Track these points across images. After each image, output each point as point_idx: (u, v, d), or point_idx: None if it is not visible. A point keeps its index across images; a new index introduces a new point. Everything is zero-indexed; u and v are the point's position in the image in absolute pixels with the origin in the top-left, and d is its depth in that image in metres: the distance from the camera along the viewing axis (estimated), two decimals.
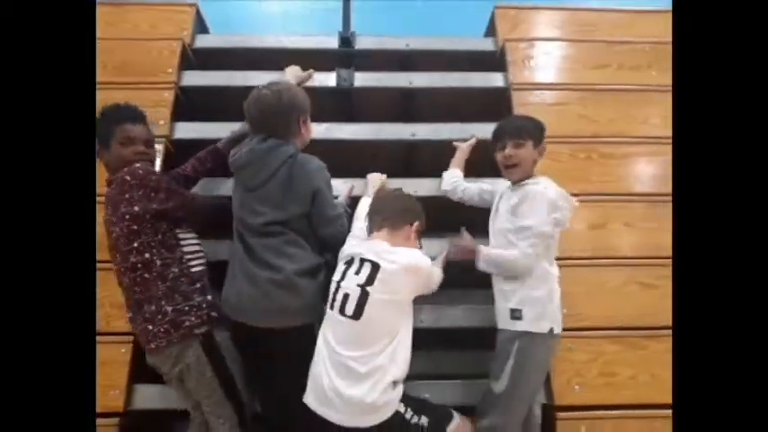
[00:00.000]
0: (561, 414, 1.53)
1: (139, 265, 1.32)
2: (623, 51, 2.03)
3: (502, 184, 1.59)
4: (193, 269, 1.40)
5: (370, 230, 1.46)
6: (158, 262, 1.33)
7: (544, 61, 2.01)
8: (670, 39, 2.03)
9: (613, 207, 1.77)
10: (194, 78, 1.98)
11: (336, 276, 1.37)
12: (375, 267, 1.30)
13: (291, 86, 1.59)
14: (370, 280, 1.29)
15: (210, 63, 2.07)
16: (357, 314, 1.26)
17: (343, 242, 1.45)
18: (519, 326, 1.37)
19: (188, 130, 1.89)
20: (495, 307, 1.44)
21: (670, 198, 1.79)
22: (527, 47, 2.03)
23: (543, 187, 1.43)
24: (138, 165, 1.39)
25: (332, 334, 1.28)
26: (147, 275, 1.33)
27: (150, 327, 1.31)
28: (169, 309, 1.32)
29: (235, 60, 2.07)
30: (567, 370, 1.56)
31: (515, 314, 1.37)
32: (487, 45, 2.13)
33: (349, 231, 1.50)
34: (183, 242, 1.41)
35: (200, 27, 2.18)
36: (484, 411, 1.37)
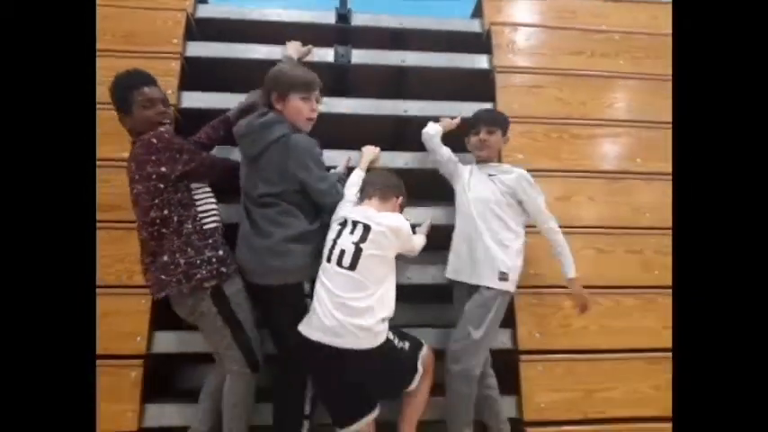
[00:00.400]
0: (523, 357, 1.82)
1: (158, 221, 1.49)
2: (597, 40, 2.23)
3: (467, 161, 1.87)
4: (206, 226, 1.56)
5: (362, 198, 1.68)
6: (175, 218, 1.51)
7: (525, 46, 2.19)
8: (639, 29, 2.25)
9: (578, 182, 2.02)
10: (198, 49, 2.08)
11: (332, 235, 1.58)
12: (366, 228, 1.54)
13: (283, 65, 1.74)
14: (363, 239, 1.52)
15: (211, 32, 2.16)
16: (353, 266, 1.50)
17: (335, 205, 1.67)
18: (504, 286, 1.65)
19: (194, 100, 2.01)
20: (480, 269, 1.68)
21: (627, 175, 2.06)
22: (510, 31, 2.20)
23: (521, 174, 1.74)
24: (162, 129, 1.55)
25: (331, 282, 1.50)
26: (164, 230, 1.50)
27: (163, 276, 1.49)
28: (182, 261, 1.49)
29: (234, 31, 2.17)
30: (529, 321, 1.84)
31: (504, 276, 1.63)
32: (475, 26, 2.28)
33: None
34: (198, 201, 1.58)
35: None
36: (458, 356, 1.63)
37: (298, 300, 1.58)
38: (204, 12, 2.19)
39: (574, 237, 1.82)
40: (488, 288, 1.64)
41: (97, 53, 1.95)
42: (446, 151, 1.91)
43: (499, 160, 1.90)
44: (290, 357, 1.59)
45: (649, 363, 1.85)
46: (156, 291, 1.52)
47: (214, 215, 1.62)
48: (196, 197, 1.58)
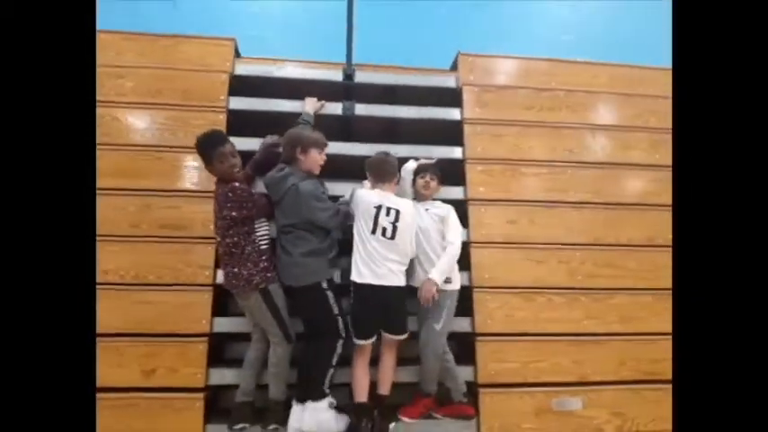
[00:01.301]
0: (479, 338, 2.51)
1: (231, 245, 2.18)
2: (545, 96, 2.88)
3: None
4: (261, 247, 2.24)
5: (375, 182, 2.38)
6: (242, 243, 2.19)
7: (490, 101, 2.84)
8: (580, 86, 2.89)
9: (524, 208, 2.69)
10: (239, 103, 2.70)
11: (373, 213, 2.26)
12: (398, 212, 2.27)
13: (302, 128, 2.42)
14: (397, 219, 2.25)
15: (246, 85, 2.79)
16: (393, 237, 2.23)
17: (341, 224, 2.33)
18: (449, 287, 2.34)
19: (238, 143, 2.64)
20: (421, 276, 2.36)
21: (561, 205, 2.73)
22: (479, 90, 2.85)
23: (450, 208, 2.45)
24: (236, 184, 2.20)
25: (379, 246, 2.22)
26: (234, 250, 2.18)
27: (234, 281, 2.18)
28: (245, 272, 2.18)
29: (265, 83, 2.80)
30: (483, 311, 2.53)
31: (447, 281, 2.32)
32: (451, 83, 2.92)
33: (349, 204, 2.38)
34: (257, 230, 2.26)
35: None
36: (426, 342, 2.32)
37: (316, 294, 2.25)
38: (240, 69, 2.81)
39: (517, 251, 2.50)
40: (442, 292, 2.32)
41: (159, 107, 2.62)
42: (409, 187, 2.53)
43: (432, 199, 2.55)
44: (312, 332, 2.29)
45: (570, 344, 2.55)
46: (230, 287, 2.23)
47: (266, 240, 2.30)
48: (255, 227, 2.25)
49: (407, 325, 2.34)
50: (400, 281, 2.27)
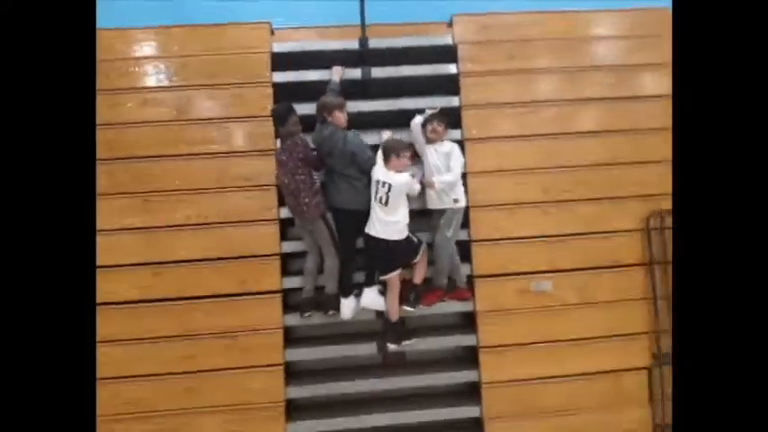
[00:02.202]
0: (474, 243, 3.40)
1: (300, 181, 3.06)
2: (527, 46, 3.49)
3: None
4: (317, 185, 3.15)
5: (385, 161, 3.13)
6: (309, 180, 3.08)
7: (480, 56, 3.48)
8: (559, 35, 3.46)
9: (508, 144, 3.43)
10: (280, 77, 3.44)
11: (374, 188, 3.08)
12: (389, 185, 3.03)
13: (327, 96, 3.19)
14: (389, 189, 3.03)
15: (283, 59, 3.49)
16: (386, 203, 3.04)
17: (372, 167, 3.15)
18: (458, 205, 3.17)
19: None
20: (442, 199, 3.20)
21: (537, 136, 3.44)
22: (471, 47, 3.48)
23: (453, 145, 3.19)
24: (299, 138, 3.06)
25: (380, 211, 3.05)
26: (302, 186, 3.07)
27: (304, 208, 3.10)
28: (313, 202, 3.09)
29: (298, 55, 3.49)
30: (477, 224, 3.39)
31: (456, 201, 3.15)
32: (448, 40, 3.54)
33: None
34: (314, 173, 3.15)
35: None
36: (439, 245, 3.21)
37: (363, 217, 3.15)
38: (276, 47, 3.49)
39: (504, 176, 3.32)
40: (451, 209, 3.17)
41: (222, 87, 3.38)
42: (420, 136, 3.30)
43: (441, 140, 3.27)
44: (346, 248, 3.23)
45: (544, 243, 3.41)
46: (298, 214, 3.15)
47: (319, 181, 3.20)
48: (312, 173, 3.14)
49: (416, 252, 3.19)
50: (397, 235, 3.07)
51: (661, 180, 3.42)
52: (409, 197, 3.18)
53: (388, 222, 3.05)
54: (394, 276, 3.16)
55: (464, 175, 3.33)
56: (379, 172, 3.11)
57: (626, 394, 3.46)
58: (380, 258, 3.17)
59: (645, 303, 3.47)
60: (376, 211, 3.09)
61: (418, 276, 3.27)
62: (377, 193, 3.07)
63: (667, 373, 3.43)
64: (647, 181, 3.47)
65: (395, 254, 3.12)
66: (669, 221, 3.47)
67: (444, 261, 3.25)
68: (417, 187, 3.21)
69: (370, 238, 3.12)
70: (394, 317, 3.23)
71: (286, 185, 3.16)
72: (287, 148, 3.12)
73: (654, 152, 3.46)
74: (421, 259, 3.24)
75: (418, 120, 3.27)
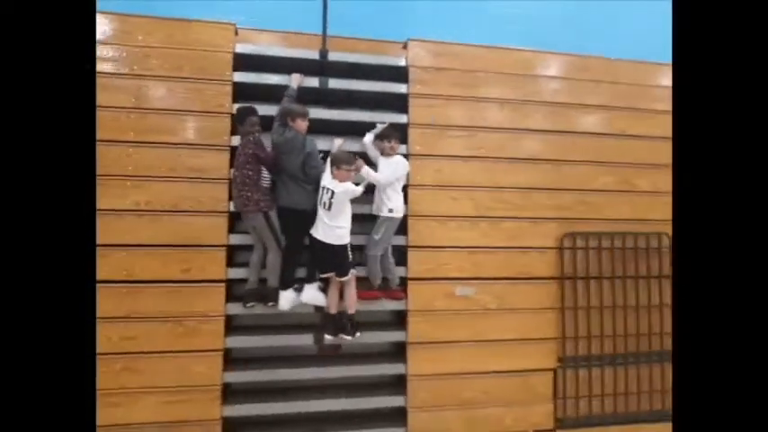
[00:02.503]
0: (410, 249, 3.73)
1: (246, 176, 3.29)
2: (469, 76, 3.88)
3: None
4: (265, 184, 3.38)
5: (331, 170, 3.39)
6: (255, 176, 3.31)
7: (428, 79, 3.83)
8: (496, 68, 3.88)
9: (446, 162, 3.80)
10: (241, 77, 3.61)
11: (320, 193, 3.34)
12: (332, 192, 3.29)
13: (290, 103, 3.44)
14: (332, 196, 3.29)
15: (245, 60, 3.67)
16: (329, 208, 3.30)
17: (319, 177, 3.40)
18: (391, 215, 3.50)
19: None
20: (380, 208, 3.52)
21: (472, 158, 3.84)
22: (421, 71, 3.82)
23: (401, 159, 3.53)
24: (253, 137, 3.30)
25: (321, 213, 3.31)
26: (248, 181, 3.29)
27: (246, 203, 3.31)
28: (255, 197, 3.31)
29: (258, 58, 3.68)
30: (414, 232, 3.73)
31: (391, 211, 3.47)
32: (401, 62, 3.86)
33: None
34: (263, 171, 3.37)
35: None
36: (367, 248, 3.53)
37: (308, 217, 3.40)
38: (239, 48, 3.67)
39: (440, 191, 3.67)
40: (385, 217, 3.50)
41: (182, 80, 3.51)
42: (372, 151, 3.62)
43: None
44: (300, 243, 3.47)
45: (471, 253, 3.80)
46: (242, 209, 3.36)
47: (267, 181, 3.43)
48: (263, 169, 3.36)
49: (348, 269, 3.41)
50: (337, 240, 3.31)
51: (575, 205, 3.94)
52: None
53: (331, 227, 3.31)
54: (332, 276, 3.44)
55: (405, 188, 3.67)
56: (326, 179, 3.37)
57: (534, 391, 3.92)
58: (320, 259, 3.43)
59: (553, 312, 3.95)
60: (320, 214, 3.35)
61: (350, 305, 3.51)
62: (321, 197, 3.34)
63: (570, 374, 3.94)
64: (564, 205, 3.96)
65: (333, 257, 3.38)
66: (580, 242, 3.98)
67: (371, 263, 3.56)
68: (359, 190, 3.48)
69: (313, 239, 3.38)
70: (333, 310, 3.50)
71: (234, 178, 3.39)
72: (242, 144, 3.37)
73: (571, 181, 3.97)
74: (350, 285, 3.48)
75: (369, 137, 3.60)
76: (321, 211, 3.35)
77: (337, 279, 3.42)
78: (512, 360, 3.87)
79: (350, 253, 3.42)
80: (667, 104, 4.08)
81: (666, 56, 3.59)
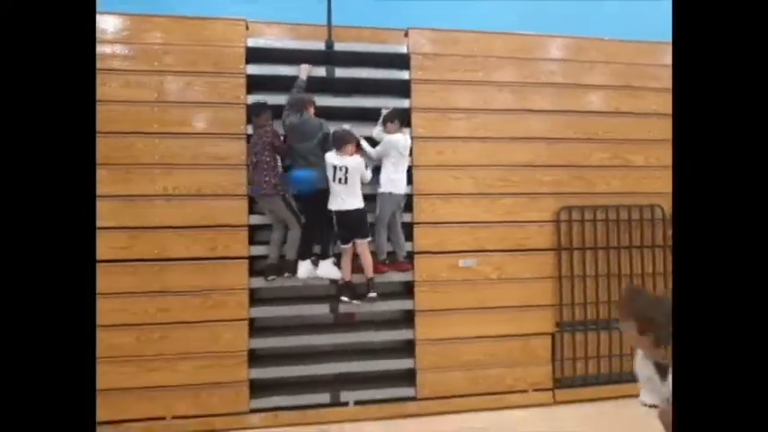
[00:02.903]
0: (415, 225, 4.03)
1: (264, 162, 3.63)
2: (468, 61, 4.08)
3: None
4: (280, 169, 3.71)
5: (337, 149, 3.71)
6: (272, 162, 3.65)
7: (429, 65, 4.05)
8: (495, 52, 4.09)
9: (448, 143, 4.05)
10: (254, 69, 3.89)
11: (331, 171, 3.66)
12: (346, 168, 3.63)
13: (301, 93, 3.75)
14: (346, 171, 3.63)
15: (257, 53, 3.94)
16: (345, 182, 3.64)
17: None
18: (382, 190, 3.80)
19: (256, 99, 3.88)
20: (383, 186, 3.83)
21: (472, 138, 4.08)
22: (422, 58, 4.04)
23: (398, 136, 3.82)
24: (269, 127, 3.62)
25: (338, 189, 3.65)
26: (265, 165, 3.63)
27: (265, 186, 3.65)
28: (273, 181, 3.65)
29: (270, 50, 3.95)
30: (419, 209, 4.02)
31: (381, 186, 3.80)
32: (403, 50, 4.09)
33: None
34: (277, 158, 3.71)
35: None
36: (376, 220, 3.86)
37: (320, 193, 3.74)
38: (251, 42, 3.93)
39: (443, 170, 3.94)
40: (382, 193, 3.82)
41: (199, 74, 3.80)
42: (381, 136, 3.91)
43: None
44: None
45: (472, 228, 4.09)
46: (260, 191, 3.68)
47: (281, 165, 3.74)
48: (277, 156, 3.69)
49: (368, 232, 3.80)
50: (358, 204, 3.69)
51: (571, 181, 4.18)
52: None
53: (349, 196, 3.68)
54: (349, 246, 3.81)
55: (410, 168, 3.95)
56: (334, 158, 3.69)
57: (534, 353, 4.24)
58: (342, 227, 3.76)
59: (551, 281, 4.24)
60: (337, 190, 3.69)
61: (369, 269, 3.85)
62: (335, 175, 3.66)
63: (567, 338, 4.25)
64: (560, 181, 4.21)
65: (354, 223, 3.73)
66: (576, 215, 4.23)
67: (375, 236, 3.88)
68: (368, 174, 3.79)
69: (333, 213, 3.73)
70: (348, 277, 3.86)
71: (254, 164, 3.72)
72: (259, 134, 3.70)
73: (567, 158, 4.20)
74: (365, 251, 3.82)
75: (377, 127, 3.92)
76: (337, 188, 3.69)
77: (358, 242, 3.77)
78: (512, 325, 4.17)
79: (367, 216, 3.78)
80: (660, 82, 4.25)
81: (659, 34, 3.81)
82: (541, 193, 4.19)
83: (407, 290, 4.19)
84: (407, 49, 4.08)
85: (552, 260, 4.24)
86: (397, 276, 4.04)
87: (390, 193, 3.82)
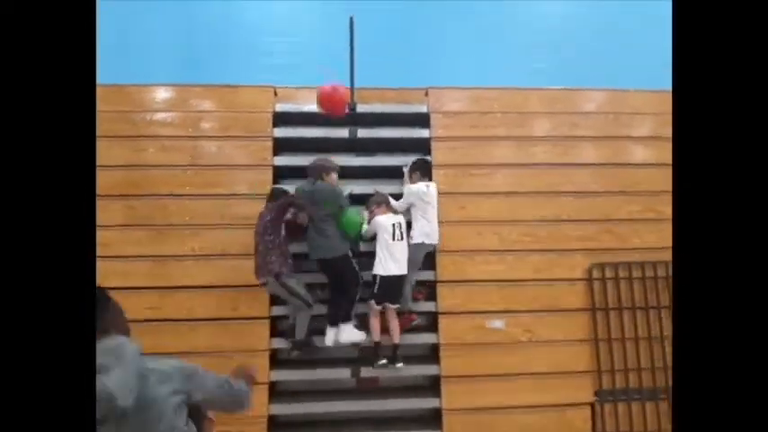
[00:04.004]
0: (439, 283, 3.92)
1: (268, 241, 3.56)
2: (488, 118, 4.13)
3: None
4: (282, 249, 3.61)
5: (377, 206, 3.73)
6: (276, 240, 3.57)
7: (449, 123, 4.12)
8: (515, 109, 4.13)
9: (470, 198, 4.01)
10: (280, 132, 4.06)
11: (389, 230, 3.62)
12: (400, 223, 3.65)
13: (323, 159, 3.75)
14: (401, 226, 3.64)
15: (285, 117, 4.13)
16: (402, 238, 3.63)
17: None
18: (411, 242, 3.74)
19: (282, 161, 4.03)
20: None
21: (494, 194, 4.03)
22: (441, 116, 4.13)
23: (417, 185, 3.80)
24: (270, 204, 3.63)
25: (395, 248, 3.60)
26: (270, 246, 3.55)
27: (261, 270, 3.57)
28: (269, 260, 3.55)
29: (295, 114, 4.13)
30: (442, 266, 3.93)
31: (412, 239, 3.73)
32: (423, 109, 4.19)
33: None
34: (282, 236, 3.65)
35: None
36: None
37: (347, 260, 3.66)
38: (278, 107, 4.14)
39: (466, 226, 3.87)
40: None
41: (230, 138, 3.99)
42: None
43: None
44: (343, 283, 3.70)
45: (499, 287, 3.93)
46: (257, 276, 3.61)
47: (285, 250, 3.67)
48: (282, 234, 3.64)
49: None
50: (402, 270, 3.62)
51: (600, 236, 4.01)
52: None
53: (399, 259, 3.61)
54: (379, 308, 3.69)
55: None
56: (390, 218, 3.68)
57: (572, 426, 3.88)
58: (384, 291, 3.62)
59: (587, 345, 3.96)
60: (390, 250, 3.61)
61: (396, 335, 3.72)
62: (394, 233, 3.63)
63: (608, 409, 3.89)
64: (589, 236, 4.04)
65: (395, 288, 3.65)
66: (609, 272, 4.02)
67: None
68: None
69: (379, 276, 3.61)
70: (377, 338, 3.72)
71: (256, 246, 3.61)
72: (261, 214, 3.64)
73: (595, 211, 4.06)
74: (393, 315, 3.72)
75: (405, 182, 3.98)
76: (393, 246, 3.61)
77: (391, 306, 3.67)
78: (547, 394, 3.87)
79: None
80: None
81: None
82: (570, 250, 4.03)
83: (433, 353, 4.01)
84: (427, 108, 4.18)
85: (586, 321, 3.98)
86: (422, 339, 3.88)
87: (423, 244, 3.76)
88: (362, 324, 3.74)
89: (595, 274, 4.02)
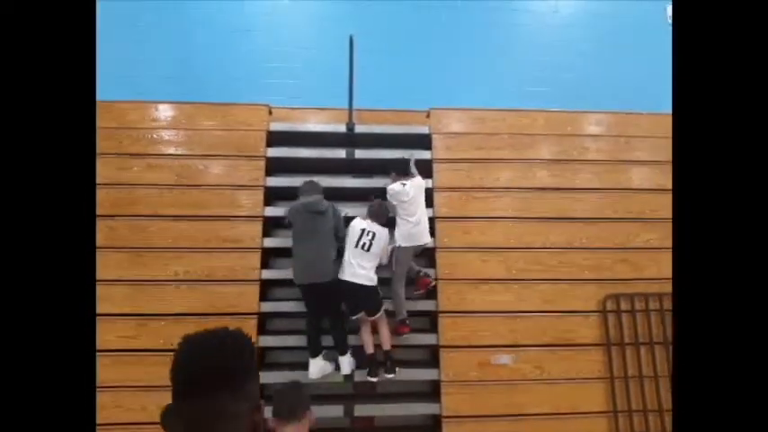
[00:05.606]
0: (440, 315, 3.62)
1: None
2: (493, 139, 3.92)
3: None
4: None
5: (369, 217, 3.48)
6: None
7: (451, 145, 3.91)
8: (517, 130, 3.92)
9: (474, 223, 3.76)
10: (273, 152, 3.85)
11: (357, 236, 3.38)
12: (373, 234, 3.37)
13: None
14: (373, 237, 3.36)
15: (278, 137, 3.93)
16: (368, 249, 3.34)
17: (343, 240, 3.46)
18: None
19: (275, 182, 3.80)
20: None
21: (500, 218, 3.78)
22: (443, 137, 3.92)
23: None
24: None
25: (359, 257, 3.33)
26: None
27: None
28: None
29: (290, 134, 3.93)
30: (444, 295, 3.64)
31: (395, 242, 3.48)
32: (425, 130, 3.99)
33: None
34: None
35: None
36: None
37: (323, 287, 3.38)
38: (273, 126, 3.95)
39: (469, 252, 3.60)
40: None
41: (220, 158, 3.78)
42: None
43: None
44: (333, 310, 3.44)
45: (505, 318, 3.63)
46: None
47: None
48: None
49: (380, 306, 3.42)
50: (367, 282, 3.34)
51: (615, 265, 3.73)
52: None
53: (365, 268, 3.35)
54: (362, 316, 3.42)
55: (433, 249, 3.69)
56: (362, 223, 3.46)
57: None
58: (352, 300, 3.40)
59: (602, 383, 3.62)
60: (354, 257, 3.36)
61: (386, 341, 3.46)
62: (360, 240, 3.39)
63: None
64: (602, 265, 3.76)
65: (366, 297, 3.37)
66: (624, 304, 3.72)
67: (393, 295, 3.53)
68: (386, 257, 3.51)
69: (342, 283, 3.36)
70: (370, 350, 3.44)
71: None
72: None
73: (608, 239, 3.79)
74: (382, 323, 3.44)
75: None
76: (357, 253, 3.37)
77: (369, 318, 3.40)
78: None
79: (379, 293, 3.44)
80: None
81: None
82: (582, 279, 3.74)
83: (433, 390, 3.67)
84: (429, 129, 3.98)
85: (601, 357, 3.66)
86: (417, 374, 3.57)
87: (404, 247, 3.52)
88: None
89: (610, 305, 3.72)
